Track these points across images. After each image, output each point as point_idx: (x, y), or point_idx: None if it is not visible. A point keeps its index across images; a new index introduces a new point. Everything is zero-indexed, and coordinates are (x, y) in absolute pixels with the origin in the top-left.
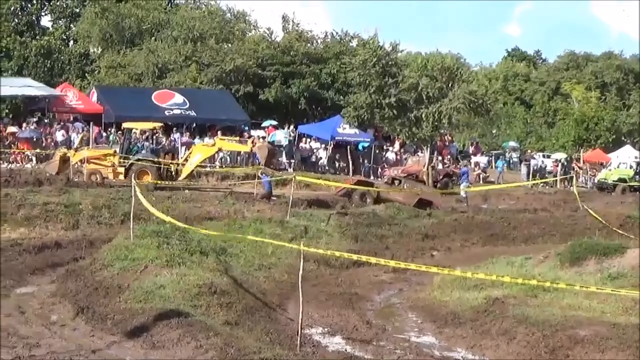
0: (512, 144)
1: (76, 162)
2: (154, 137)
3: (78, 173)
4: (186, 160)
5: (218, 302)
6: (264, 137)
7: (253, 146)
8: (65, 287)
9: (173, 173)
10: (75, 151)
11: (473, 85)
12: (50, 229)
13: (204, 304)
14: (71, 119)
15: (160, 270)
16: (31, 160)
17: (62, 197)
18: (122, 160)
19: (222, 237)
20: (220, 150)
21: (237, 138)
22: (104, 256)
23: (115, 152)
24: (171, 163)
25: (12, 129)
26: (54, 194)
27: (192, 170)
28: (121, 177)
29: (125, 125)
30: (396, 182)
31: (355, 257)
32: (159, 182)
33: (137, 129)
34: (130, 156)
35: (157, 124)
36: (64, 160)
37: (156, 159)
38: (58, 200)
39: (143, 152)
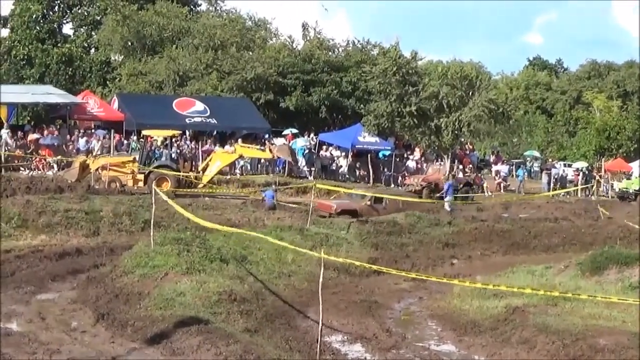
0: (534, 153)
1: (95, 170)
2: (177, 144)
3: (99, 180)
4: (206, 167)
5: (238, 309)
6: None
7: (271, 152)
8: (85, 294)
9: (192, 180)
10: (95, 158)
11: (492, 93)
12: (71, 235)
13: (224, 311)
14: (92, 126)
15: (181, 278)
16: (52, 167)
17: (83, 204)
18: (141, 167)
19: (244, 237)
20: (241, 157)
21: (258, 146)
22: (125, 263)
23: (134, 159)
24: (190, 171)
25: (34, 135)
26: (74, 201)
27: (213, 177)
28: (140, 184)
29: (144, 132)
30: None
31: (375, 267)
32: (177, 189)
33: (158, 137)
34: (150, 163)
35: (176, 132)
36: (84, 167)
37: (175, 167)
38: (79, 207)
39: (162, 159)
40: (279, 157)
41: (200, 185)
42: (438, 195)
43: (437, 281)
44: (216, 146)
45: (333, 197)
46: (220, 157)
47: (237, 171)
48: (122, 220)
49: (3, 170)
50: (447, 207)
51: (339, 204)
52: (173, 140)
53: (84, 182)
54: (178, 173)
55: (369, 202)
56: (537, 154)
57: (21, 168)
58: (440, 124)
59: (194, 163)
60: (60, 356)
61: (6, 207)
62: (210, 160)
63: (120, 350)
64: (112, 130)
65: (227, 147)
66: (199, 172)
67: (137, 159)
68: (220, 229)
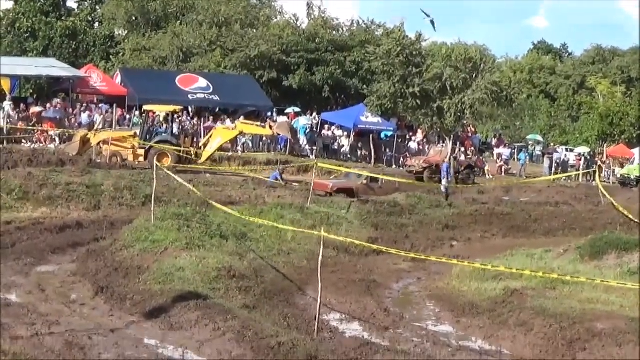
0: (537, 137)
1: (97, 144)
2: (179, 120)
3: (100, 155)
4: (206, 143)
5: (237, 285)
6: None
7: (271, 129)
8: (85, 267)
9: (193, 156)
10: (96, 133)
11: (496, 75)
12: (72, 209)
13: (223, 287)
14: (95, 100)
15: (180, 253)
16: (54, 140)
17: (84, 178)
18: (142, 142)
19: (247, 216)
20: (241, 133)
21: (258, 123)
22: (125, 237)
23: (135, 134)
24: (191, 147)
25: (36, 108)
26: (76, 175)
27: (213, 154)
28: (141, 159)
29: (145, 107)
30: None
31: (374, 247)
32: (177, 165)
33: (161, 112)
34: (151, 139)
35: (178, 107)
36: (85, 141)
37: (176, 142)
38: (80, 181)
39: (163, 134)
40: (279, 135)
41: (201, 161)
42: (438, 177)
43: (437, 262)
44: (218, 123)
45: (333, 177)
46: (220, 134)
47: (239, 148)
48: (123, 194)
49: (5, 142)
50: (442, 188)
51: (336, 183)
52: (175, 116)
53: (85, 156)
54: (179, 148)
55: (365, 182)
56: (539, 138)
57: (23, 140)
58: (443, 106)
59: (195, 139)
60: (59, 328)
61: (8, 179)
62: (210, 136)
63: (119, 323)
64: (115, 105)
65: (227, 122)
66: (200, 148)
67: (137, 134)
68: (233, 213)
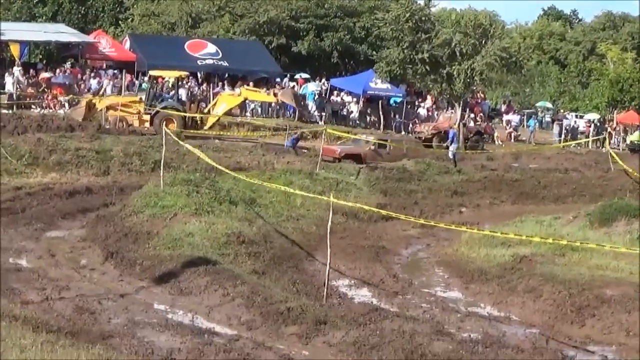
0: (546, 104)
1: (102, 109)
2: (187, 86)
3: (107, 121)
4: (211, 109)
5: (246, 251)
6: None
7: (275, 96)
8: (95, 232)
9: (198, 122)
10: (101, 98)
11: (505, 41)
12: (82, 174)
13: (232, 252)
14: (104, 66)
15: (190, 218)
16: (64, 105)
17: (93, 144)
18: (147, 108)
19: (257, 181)
20: (246, 99)
21: (264, 89)
22: (134, 203)
23: (140, 99)
24: (197, 112)
25: (45, 74)
26: (85, 140)
27: (218, 120)
28: (147, 124)
29: (151, 72)
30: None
31: (384, 212)
32: (184, 131)
33: (170, 78)
34: (156, 104)
35: (184, 73)
36: (90, 106)
37: (182, 108)
38: (90, 147)
39: (169, 100)
40: (282, 102)
41: (206, 127)
42: (446, 144)
43: (445, 228)
44: (226, 88)
45: (340, 142)
46: (225, 100)
47: (248, 114)
48: (132, 160)
49: (15, 108)
50: (450, 154)
51: (343, 149)
52: (183, 82)
53: (94, 121)
54: (184, 113)
55: (372, 147)
56: (549, 104)
57: (33, 106)
58: (452, 72)
59: (203, 105)
60: (69, 293)
61: (17, 145)
62: (216, 102)
63: (128, 288)
64: (124, 71)
65: (236, 88)
66: (206, 114)
67: (143, 99)
68: (243, 179)
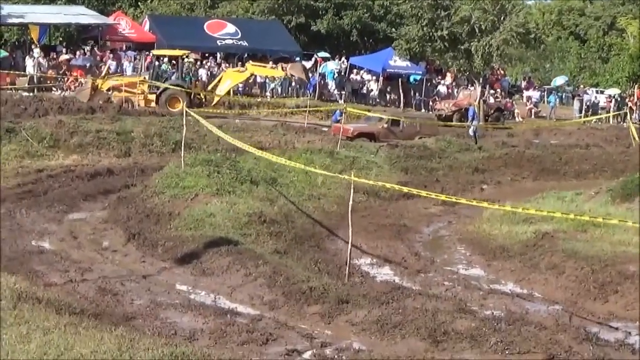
0: (559, 81)
1: (107, 90)
2: (207, 66)
3: (108, 101)
4: (216, 86)
5: (267, 230)
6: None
7: (284, 70)
8: (116, 214)
9: (203, 100)
10: (104, 79)
11: (521, 17)
12: (103, 156)
13: (254, 232)
14: (124, 47)
15: (211, 199)
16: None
17: (114, 125)
18: (151, 87)
19: (281, 158)
20: (252, 75)
21: (270, 64)
22: (155, 184)
23: (144, 79)
24: (201, 90)
25: (65, 56)
26: (106, 122)
27: (223, 96)
28: (153, 104)
29: (154, 52)
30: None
31: (405, 189)
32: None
33: (191, 59)
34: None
35: (186, 52)
36: (95, 88)
37: (186, 86)
38: (110, 128)
39: (172, 78)
40: (292, 75)
41: (212, 104)
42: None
43: (467, 206)
44: None
45: (355, 120)
46: (230, 76)
47: (268, 94)
48: (153, 141)
49: (36, 90)
50: (470, 132)
51: (356, 127)
52: (203, 61)
53: (102, 102)
54: (189, 90)
55: (386, 125)
56: (561, 81)
57: (53, 88)
58: (470, 48)
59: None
60: (91, 274)
61: (39, 127)
62: (220, 79)
63: (150, 269)
64: (144, 52)
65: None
66: (210, 92)
67: (147, 79)
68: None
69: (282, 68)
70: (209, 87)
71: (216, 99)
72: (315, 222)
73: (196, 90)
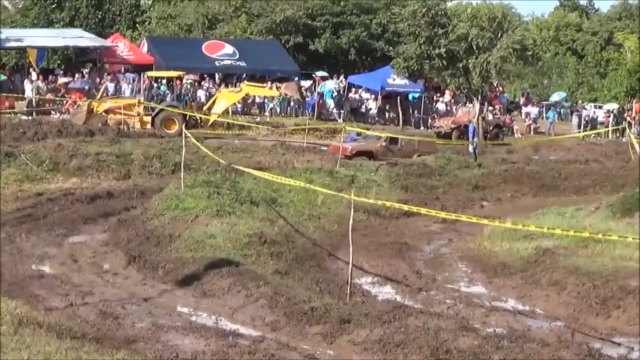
0: (554, 97)
1: (101, 112)
2: (205, 87)
3: (108, 125)
4: (211, 106)
5: (268, 251)
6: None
7: (278, 89)
8: (117, 236)
9: (199, 121)
10: (99, 102)
11: (518, 33)
12: (102, 178)
13: (254, 253)
14: (122, 70)
15: (211, 220)
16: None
17: (113, 147)
18: (147, 109)
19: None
20: (247, 95)
21: (264, 84)
22: (155, 206)
23: (139, 101)
24: (197, 111)
25: (64, 79)
26: (105, 144)
27: (218, 117)
28: (148, 126)
29: (147, 74)
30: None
31: (405, 207)
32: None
33: (188, 80)
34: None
35: (182, 73)
36: (90, 110)
37: (181, 107)
38: (110, 150)
39: (167, 100)
40: (286, 94)
41: (208, 125)
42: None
43: (468, 222)
44: None
45: (355, 138)
46: (225, 96)
47: (267, 113)
48: (153, 163)
49: (35, 113)
50: (470, 149)
51: (355, 146)
52: (202, 83)
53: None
54: (184, 111)
55: (384, 143)
56: (557, 97)
57: (52, 112)
58: (468, 66)
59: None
60: (92, 298)
61: (38, 151)
62: (215, 99)
63: (151, 291)
64: (142, 74)
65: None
66: (205, 113)
67: (142, 100)
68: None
69: (277, 88)
70: (205, 108)
71: (212, 119)
72: (315, 242)
73: (191, 111)
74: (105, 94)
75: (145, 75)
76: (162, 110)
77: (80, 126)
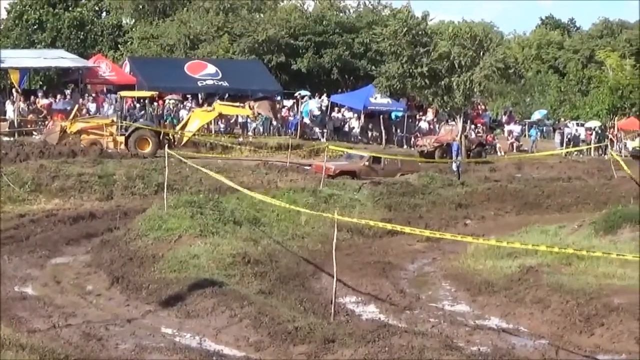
0: (536, 115)
1: (75, 133)
2: (189, 107)
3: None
4: (184, 126)
5: (252, 271)
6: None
7: (252, 109)
8: (100, 257)
9: (172, 140)
10: (71, 122)
11: (499, 54)
12: (85, 199)
13: (238, 273)
14: (104, 90)
15: (194, 240)
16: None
17: (96, 168)
18: (123, 126)
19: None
20: (220, 115)
21: (237, 103)
22: (138, 226)
23: (112, 121)
24: (171, 130)
25: (45, 100)
26: (87, 165)
27: (192, 137)
28: (122, 146)
29: (121, 93)
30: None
31: (389, 226)
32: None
33: (173, 99)
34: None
35: (155, 93)
36: (64, 130)
37: (154, 127)
38: (92, 171)
39: (141, 120)
40: (259, 114)
41: (181, 145)
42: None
43: (451, 242)
44: None
45: (338, 157)
46: (198, 116)
47: (250, 133)
48: (135, 183)
49: (16, 135)
50: (453, 167)
51: (338, 165)
52: (184, 103)
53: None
54: (158, 129)
55: (367, 163)
56: (539, 115)
57: (34, 133)
58: (451, 84)
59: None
60: (76, 319)
61: (20, 172)
62: (188, 119)
63: (135, 312)
64: (117, 94)
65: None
66: (177, 132)
67: (115, 120)
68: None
69: (250, 107)
70: (178, 128)
71: (185, 138)
72: (299, 262)
73: (165, 130)
74: (78, 114)
75: (119, 95)
76: (135, 130)
77: (63, 147)
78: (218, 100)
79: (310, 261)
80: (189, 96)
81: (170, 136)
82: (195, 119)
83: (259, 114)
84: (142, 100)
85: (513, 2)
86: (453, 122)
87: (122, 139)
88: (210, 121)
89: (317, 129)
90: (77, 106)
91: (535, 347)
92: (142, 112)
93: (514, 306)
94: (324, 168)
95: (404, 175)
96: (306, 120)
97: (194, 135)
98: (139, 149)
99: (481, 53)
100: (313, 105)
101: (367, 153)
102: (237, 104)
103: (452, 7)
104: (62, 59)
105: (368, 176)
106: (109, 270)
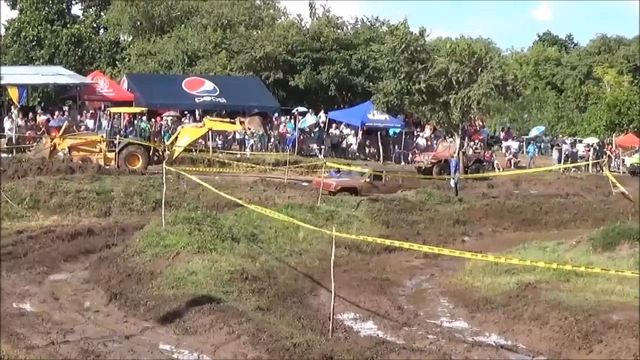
0: (533, 132)
1: (65, 148)
2: (185, 123)
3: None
4: (174, 142)
5: (250, 287)
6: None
7: (242, 124)
8: (98, 274)
9: (162, 155)
10: (62, 138)
11: (497, 70)
12: (83, 216)
13: (236, 289)
14: (102, 107)
15: (192, 257)
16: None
17: (94, 185)
18: (111, 145)
19: (256, 216)
20: (210, 131)
21: (228, 119)
22: (136, 243)
23: (102, 137)
24: (161, 145)
25: (43, 117)
26: (86, 182)
27: (181, 152)
28: (112, 163)
29: (110, 109)
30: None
31: (387, 242)
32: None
33: (170, 116)
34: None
35: (144, 109)
36: (54, 146)
37: (143, 143)
38: (90, 188)
39: (130, 136)
40: (249, 129)
41: (170, 160)
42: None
43: (449, 258)
44: None
45: (338, 175)
46: (188, 132)
47: (247, 150)
48: (133, 200)
49: (14, 151)
50: (451, 183)
51: (339, 182)
52: (182, 119)
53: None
54: (148, 144)
55: (368, 179)
56: (537, 132)
57: (30, 149)
58: (449, 101)
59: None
60: (74, 336)
61: (18, 188)
62: (177, 135)
63: (133, 329)
64: (106, 109)
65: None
66: (170, 147)
67: (104, 137)
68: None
69: (240, 122)
70: (167, 143)
71: (175, 154)
72: (297, 278)
73: (155, 145)
74: (69, 131)
75: (108, 111)
76: (125, 146)
77: (61, 163)
78: (207, 117)
79: (308, 277)
80: (187, 112)
81: (160, 152)
82: (185, 134)
83: (248, 129)
84: (140, 117)
85: (508, 17)
86: (451, 139)
87: (112, 155)
88: (207, 137)
89: (314, 146)
90: (66, 123)
91: None
92: (130, 128)
93: (512, 323)
94: (322, 184)
95: (403, 192)
96: (294, 134)
97: (184, 150)
98: (129, 165)
99: (479, 70)
100: (310, 121)
101: (367, 170)
102: (227, 119)
103: (445, 23)
104: (60, 75)
105: (369, 192)
106: (107, 286)
